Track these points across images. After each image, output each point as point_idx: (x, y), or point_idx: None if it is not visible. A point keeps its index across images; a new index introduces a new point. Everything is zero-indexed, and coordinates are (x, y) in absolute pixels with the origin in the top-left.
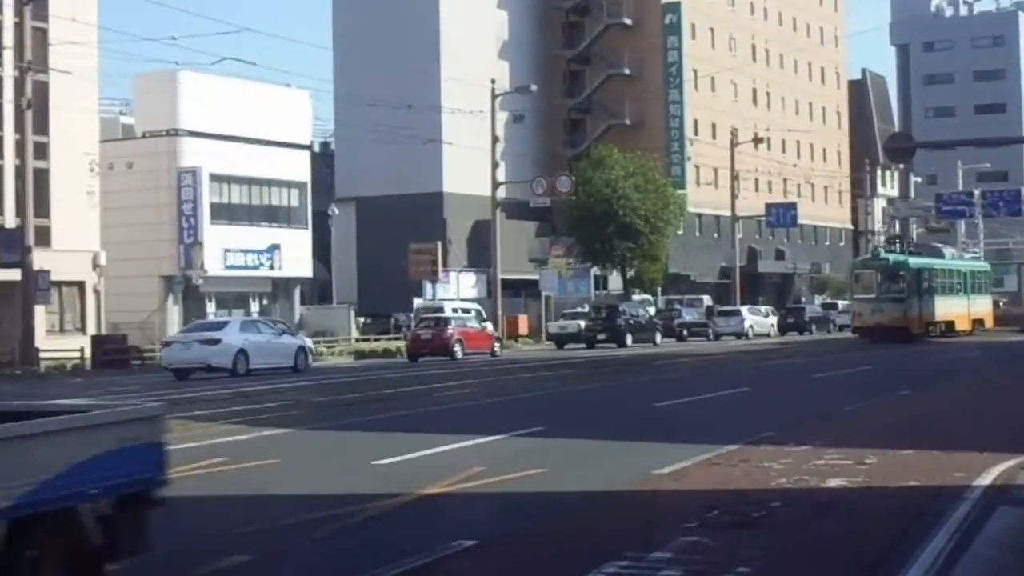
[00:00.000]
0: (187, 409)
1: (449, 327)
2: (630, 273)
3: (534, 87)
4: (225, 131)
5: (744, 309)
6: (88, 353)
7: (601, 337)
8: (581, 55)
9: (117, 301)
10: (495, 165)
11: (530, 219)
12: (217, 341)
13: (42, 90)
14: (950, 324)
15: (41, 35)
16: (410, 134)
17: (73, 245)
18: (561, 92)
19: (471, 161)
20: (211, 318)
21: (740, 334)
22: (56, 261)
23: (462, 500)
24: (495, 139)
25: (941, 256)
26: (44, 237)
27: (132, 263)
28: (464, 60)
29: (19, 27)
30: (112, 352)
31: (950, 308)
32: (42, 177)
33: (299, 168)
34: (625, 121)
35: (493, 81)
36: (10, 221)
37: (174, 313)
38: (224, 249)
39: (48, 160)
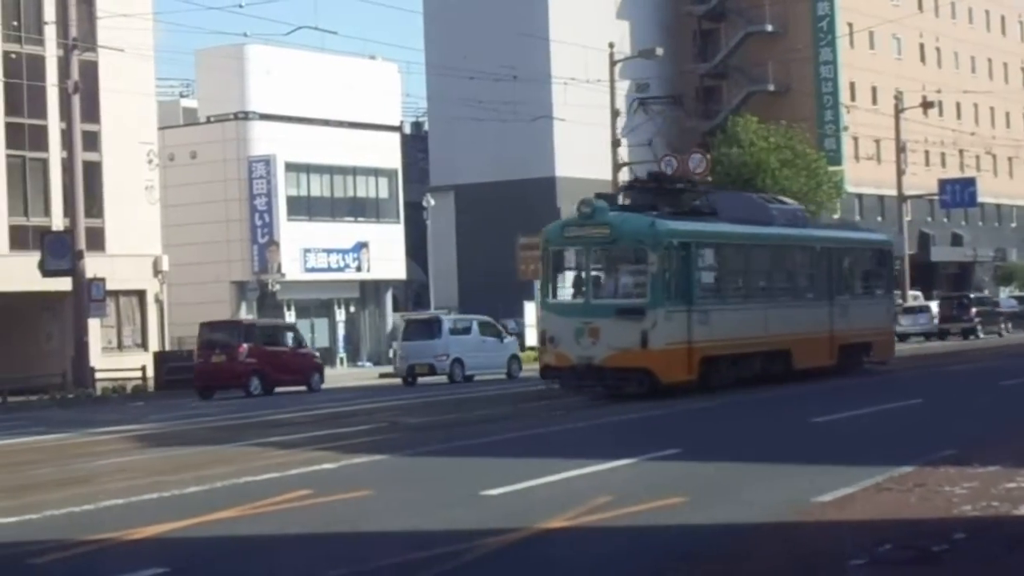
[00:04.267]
0: (267, 434)
1: None
2: None
3: (660, 50)
4: (301, 113)
5: (933, 305)
6: (150, 372)
7: None
8: (714, 11)
9: (182, 312)
10: (616, 143)
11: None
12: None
13: (91, 71)
14: None
15: (87, 8)
16: (515, 110)
17: (131, 249)
18: (692, 55)
19: (588, 139)
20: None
21: (930, 334)
22: (112, 267)
23: (587, 536)
24: (615, 113)
25: None
26: (97, 240)
27: (198, 268)
28: (577, 21)
29: (62, 1)
30: (178, 371)
31: None
32: (93, 171)
33: (388, 153)
34: (768, 87)
35: (612, 45)
36: (58, 223)
37: None
38: (303, 249)
39: (100, 151)
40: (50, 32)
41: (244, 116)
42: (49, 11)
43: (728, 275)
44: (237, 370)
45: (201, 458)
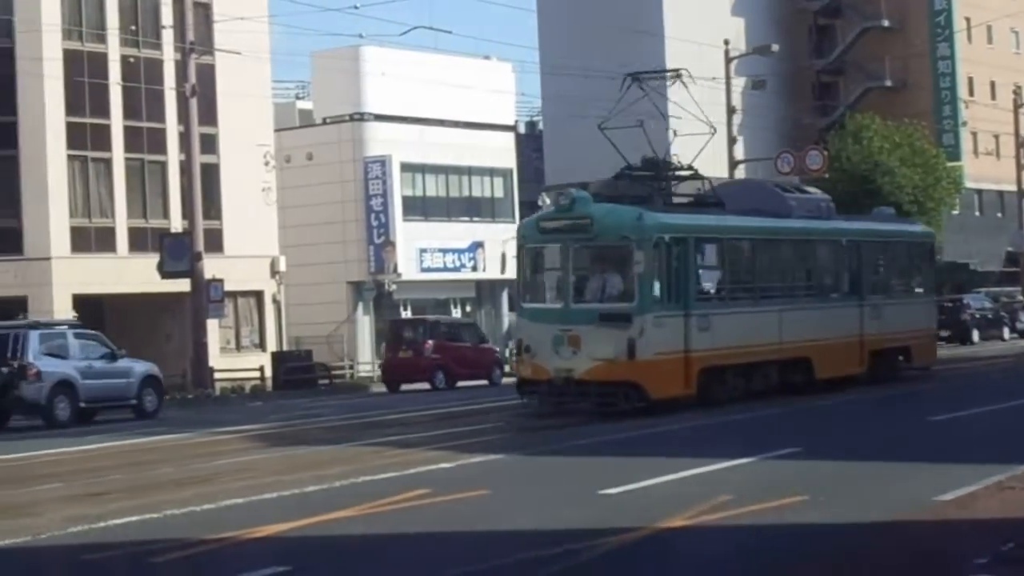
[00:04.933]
0: (385, 433)
1: None
2: None
3: (776, 47)
4: (417, 113)
5: None
6: (268, 372)
7: None
8: (829, 6)
9: (299, 312)
10: (732, 140)
11: None
12: None
13: (208, 74)
14: None
15: (204, 11)
16: (629, 106)
17: (248, 250)
18: (808, 51)
19: (704, 137)
20: None
21: None
22: (230, 269)
23: (706, 534)
24: (731, 110)
25: None
26: (215, 242)
27: (315, 269)
28: (692, 18)
29: (179, 3)
30: (295, 371)
31: None
32: (211, 173)
33: (503, 153)
34: (885, 83)
35: (727, 42)
36: (176, 224)
37: (364, 324)
38: (419, 249)
39: (217, 154)
40: (167, 36)
41: (359, 117)
42: (166, 15)
43: (735, 274)
44: (422, 365)
45: (320, 458)
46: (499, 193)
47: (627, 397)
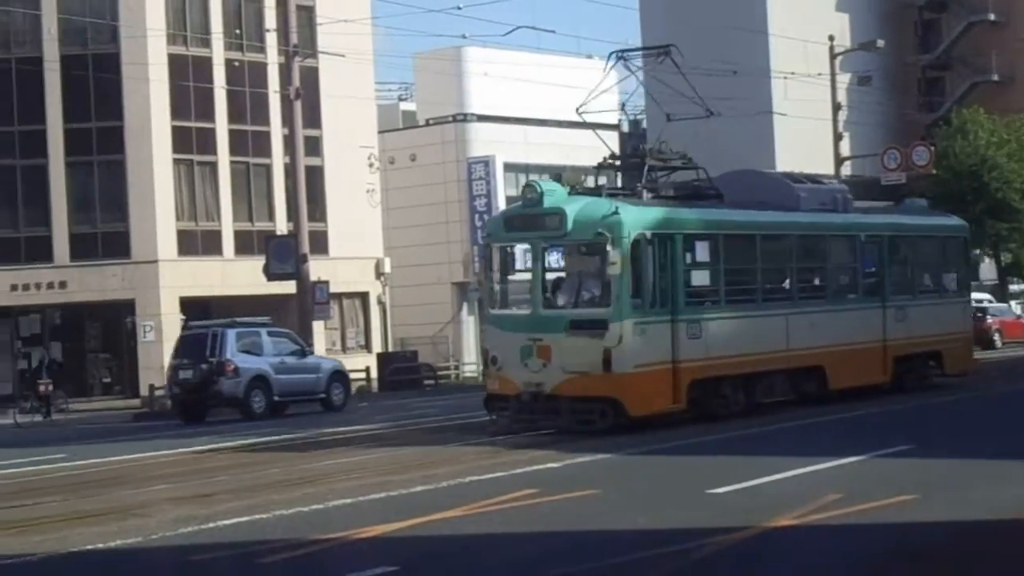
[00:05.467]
0: (491, 433)
1: None
2: (1006, 259)
3: (881, 42)
4: (520, 113)
5: None
6: (374, 373)
7: None
8: (935, 1)
9: (404, 313)
10: (838, 137)
11: (882, 199)
12: None
13: (311, 77)
14: None
15: (307, 14)
16: (734, 105)
17: (353, 251)
18: (913, 47)
19: (808, 133)
20: None
21: None
22: (335, 270)
23: (815, 534)
24: (837, 106)
25: None
26: (320, 243)
27: (419, 270)
28: (796, 15)
29: (282, 6)
30: (401, 372)
31: None
32: (315, 176)
33: (607, 151)
34: (992, 77)
35: (831, 38)
36: (281, 227)
37: (469, 325)
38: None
39: (321, 156)
40: (271, 40)
41: (463, 118)
42: (270, 19)
43: (733, 274)
44: None
45: (427, 458)
46: None
47: (603, 414)
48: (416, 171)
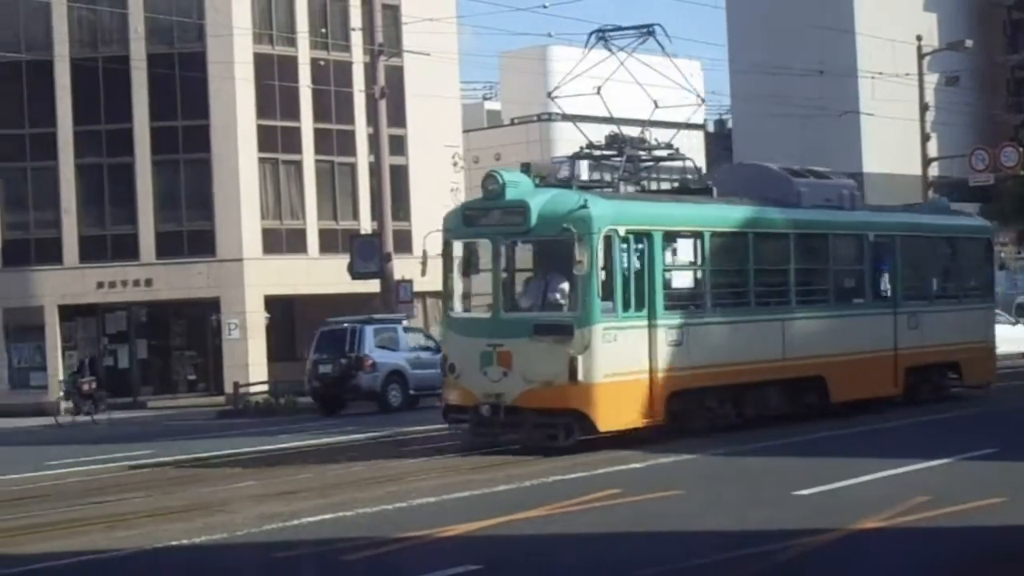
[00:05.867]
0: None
1: None
2: None
3: (969, 42)
4: (605, 112)
5: None
6: None
7: None
8: None
9: None
10: (925, 138)
11: (969, 200)
12: None
13: (396, 76)
14: None
15: (392, 13)
16: (821, 105)
17: (437, 250)
18: (1002, 46)
19: (896, 134)
20: None
21: None
22: (418, 269)
23: (902, 536)
24: (924, 107)
25: None
26: (405, 242)
27: None
28: (884, 14)
29: (367, 5)
30: None
31: None
32: (400, 175)
33: (692, 152)
34: None
35: (919, 38)
36: (366, 226)
37: None
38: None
39: (406, 155)
40: (356, 39)
41: (547, 117)
42: (355, 18)
43: (720, 275)
44: None
45: (510, 457)
46: None
47: (568, 429)
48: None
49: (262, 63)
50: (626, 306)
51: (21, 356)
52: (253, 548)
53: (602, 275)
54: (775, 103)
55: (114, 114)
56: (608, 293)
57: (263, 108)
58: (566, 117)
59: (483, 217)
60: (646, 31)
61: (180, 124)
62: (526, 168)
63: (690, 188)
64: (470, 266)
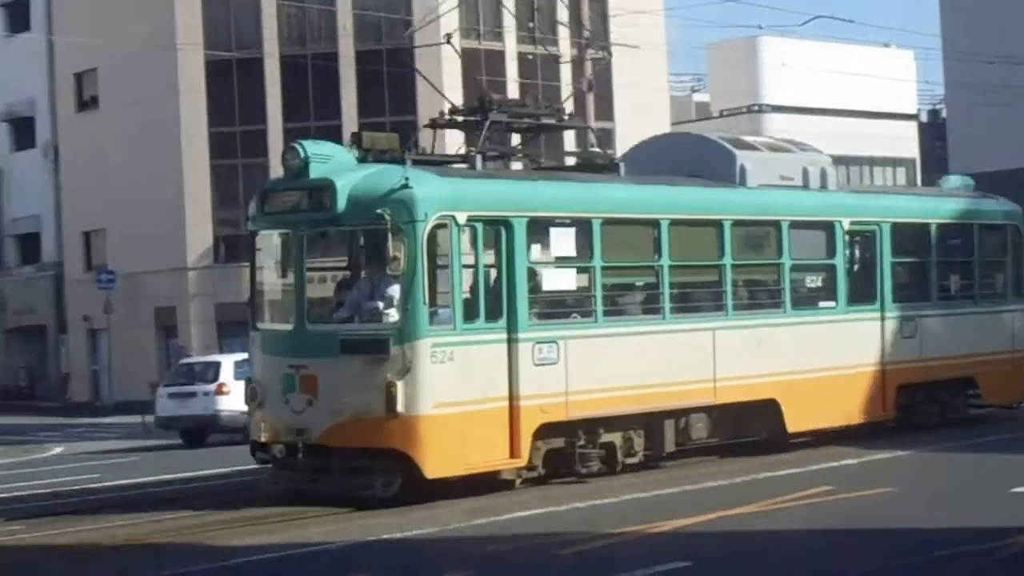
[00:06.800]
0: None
1: None
2: None
3: None
4: (815, 103)
5: None
6: None
7: None
8: None
9: None
10: None
11: None
12: None
13: (604, 70)
14: None
15: (600, 6)
16: None
17: None
18: None
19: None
20: None
21: None
22: None
23: None
24: None
25: None
26: None
27: None
28: None
29: (575, 1)
30: None
31: None
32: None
33: (905, 142)
34: None
35: None
36: None
37: None
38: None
39: (614, 148)
40: (563, 32)
41: (757, 109)
42: (562, 12)
43: (617, 274)
44: None
45: (721, 453)
46: (901, 181)
47: (388, 475)
48: None
49: (470, 58)
50: (470, 315)
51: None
52: (464, 542)
53: (438, 275)
54: (992, 92)
55: (323, 111)
56: (442, 299)
57: (471, 102)
58: (775, 108)
59: (282, 201)
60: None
61: (388, 120)
62: (357, 139)
63: (595, 164)
64: (271, 265)
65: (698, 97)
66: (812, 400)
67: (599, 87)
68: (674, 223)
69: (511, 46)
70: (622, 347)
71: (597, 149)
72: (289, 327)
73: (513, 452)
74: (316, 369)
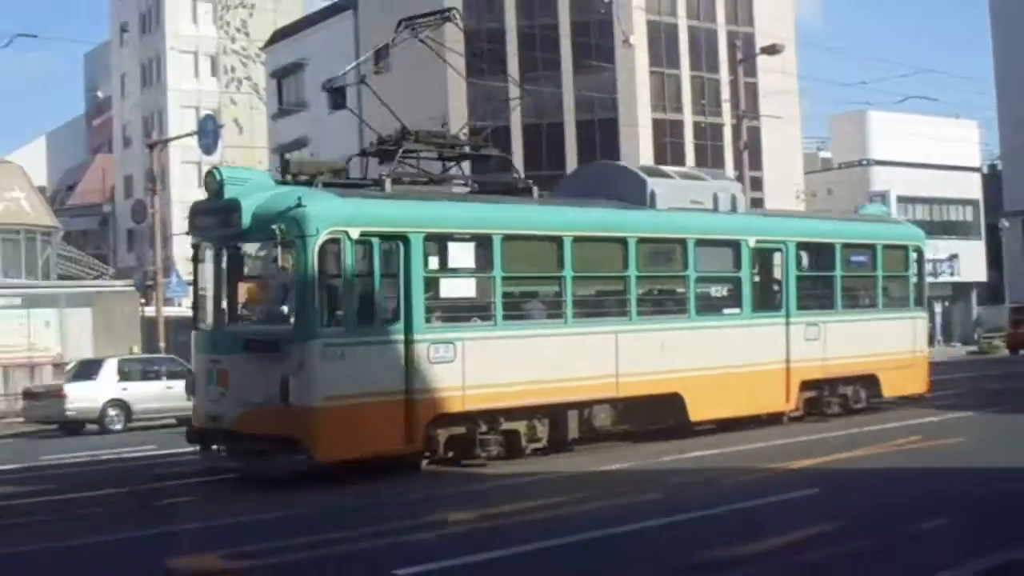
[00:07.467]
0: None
1: None
2: None
3: None
4: (908, 159)
5: None
6: None
7: None
8: None
9: None
10: None
11: None
12: None
13: (755, 134)
14: None
15: (752, 88)
16: None
17: None
18: None
19: None
20: None
21: None
22: None
23: None
24: None
25: None
26: None
27: None
28: None
29: (734, 84)
30: None
31: None
32: (757, 205)
33: (971, 187)
34: None
35: None
36: None
37: None
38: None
39: (762, 191)
40: (726, 108)
41: (866, 163)
42: (725, 91)
43: (518, 284)
44: None
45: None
46: (968, 218)
47: (287, 456)
48: (831, 201)
49: (658, 126)
50: (363, 318)
51: None
52: (651, 473)
53: (332, 283)
54: None
55: (550, 163)
56: (336, 304)
57: (658, 159)
58: (879, 163)
59: (204, 218)
60: (444, 16)
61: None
62: (286, 164)
63: (516, 188)
64: (203, 273)
65: (823, 154)
66: (715, 393)
67: (752, 146)
68: (578, 239)
69: (688, 117)
70: (521, 347)
71: (518, 175)
72: (210, 328)
73: (408, 439)
74: (227, 365)
